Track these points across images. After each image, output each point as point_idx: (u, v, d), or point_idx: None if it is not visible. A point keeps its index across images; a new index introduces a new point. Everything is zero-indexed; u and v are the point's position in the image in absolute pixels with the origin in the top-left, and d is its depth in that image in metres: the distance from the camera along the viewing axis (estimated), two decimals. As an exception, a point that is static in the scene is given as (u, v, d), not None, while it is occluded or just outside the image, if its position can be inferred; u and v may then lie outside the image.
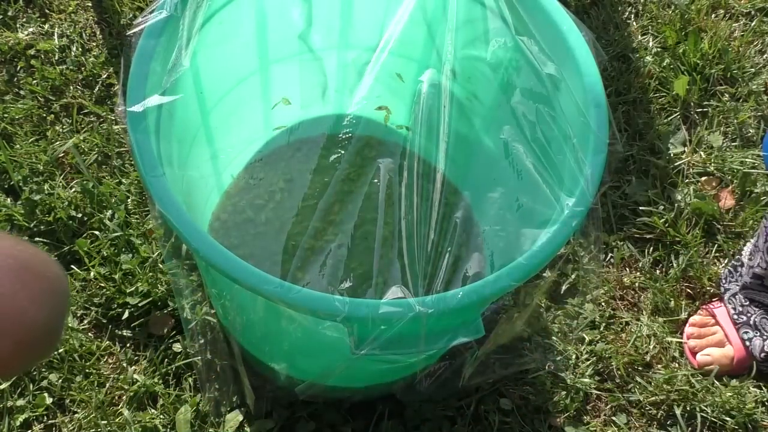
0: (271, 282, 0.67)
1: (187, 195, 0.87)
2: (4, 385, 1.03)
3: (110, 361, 1.08)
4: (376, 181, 1.07)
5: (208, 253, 0.68)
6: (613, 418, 1.09)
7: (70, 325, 1.08)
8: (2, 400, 1.03)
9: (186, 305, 0.92)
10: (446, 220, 1.01)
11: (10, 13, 1.36)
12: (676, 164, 1.30)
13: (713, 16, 1.48)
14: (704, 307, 1.17)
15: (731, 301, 1.14)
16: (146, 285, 1.09)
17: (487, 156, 1.00)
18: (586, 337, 1.14)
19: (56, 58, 1.32)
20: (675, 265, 1.21)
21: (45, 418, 1.03)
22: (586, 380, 1.10)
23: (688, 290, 1.21)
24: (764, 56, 1.45)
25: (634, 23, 1.47)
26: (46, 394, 1.03)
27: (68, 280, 1.09)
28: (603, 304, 1.18)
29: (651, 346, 1.14)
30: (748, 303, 1.13)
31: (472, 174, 1.08)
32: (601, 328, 1.15)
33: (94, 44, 1.35)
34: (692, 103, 1.37)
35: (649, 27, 1.46)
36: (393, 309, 0.67)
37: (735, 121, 1.35)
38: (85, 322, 1.10)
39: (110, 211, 1.16)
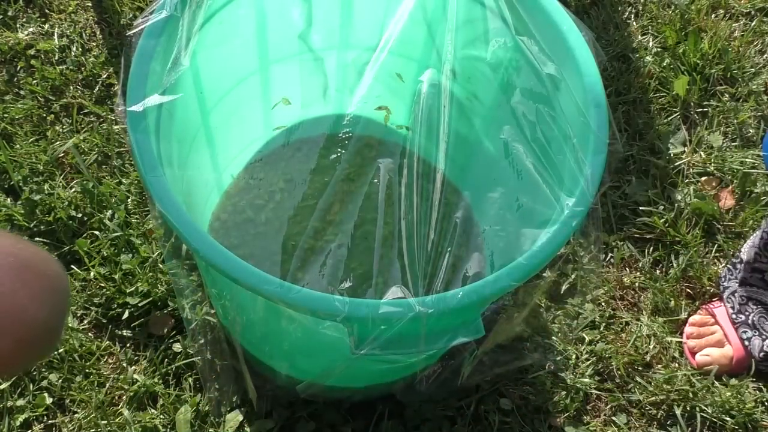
0: (271, 282, 0.67)
1: (187, 195, 0.87)
2: (4, 385, 1.03)
3: (110, 361, 1.08)
4: (375, 180, 1.07)
5: (208, 253, 0.68)
6: (613, 418, 1.09)
7: (70, 325, 1.08)
8: (2, 400, 1.03)
9: (186, 305, 0.92)
10: (446, 220, 1.01)
11: (10, 13, 1.36)
12: (676, 164, 1.30)
13: (713, 16, 1.48)
14: (704, 306, 1.17)
15: (730, 300, 1.14)
16: (146, 285, 1.09)
17: (487, 156, 1.00)
18: (586, 337, 1.14)
19: (56, 58, 1.32)
20: (675, 265, 1.21)
21: (45, 418, 1.03)
22: (586, 380, 1.10)
23: (688, 290, 1.21)
24: (764, 56, 1.45)
25: (634, 23, 1.47)
26: (46, 394, 1.03)
27: (68, 278, 1.09)
28: (603, 304, 1.18)
29: (651, 346, 1.14)
30: (745, 301, 1.13)
31: (472, 174, 1.08)
32: (601, 328, 1.15)
33: (94, 44, 1.35)
34: (692, 103, 1.37)
35: (649, 27, 1.46)
36: (393, 309, 0.67)
37: (735, 121, 1.35)
38: (85, 322, 1.10)
39: (110, 211, 1.16)
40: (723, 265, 1.21)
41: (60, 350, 1.06)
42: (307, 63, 1.04)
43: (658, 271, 1.22)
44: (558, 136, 0.84)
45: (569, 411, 1.08)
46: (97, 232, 1.14)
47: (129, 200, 1.18)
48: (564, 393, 1.09)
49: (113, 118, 1.26)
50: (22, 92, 1.28)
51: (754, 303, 1.13)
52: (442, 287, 0.90)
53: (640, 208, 1.25)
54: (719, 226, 1.25)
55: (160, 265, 1.11)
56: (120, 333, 1.09)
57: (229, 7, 0.88)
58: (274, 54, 1.01)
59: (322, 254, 1.03)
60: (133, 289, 1.09)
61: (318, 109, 1.13)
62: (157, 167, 0.70)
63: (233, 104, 1.00)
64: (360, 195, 1.07)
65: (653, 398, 1.10)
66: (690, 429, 1.08)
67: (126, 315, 1.09)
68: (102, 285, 1.11)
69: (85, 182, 1.17)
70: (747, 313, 1.12)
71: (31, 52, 1.32)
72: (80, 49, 1.33)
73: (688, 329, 1.15)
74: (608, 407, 1.10)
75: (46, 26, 1.35)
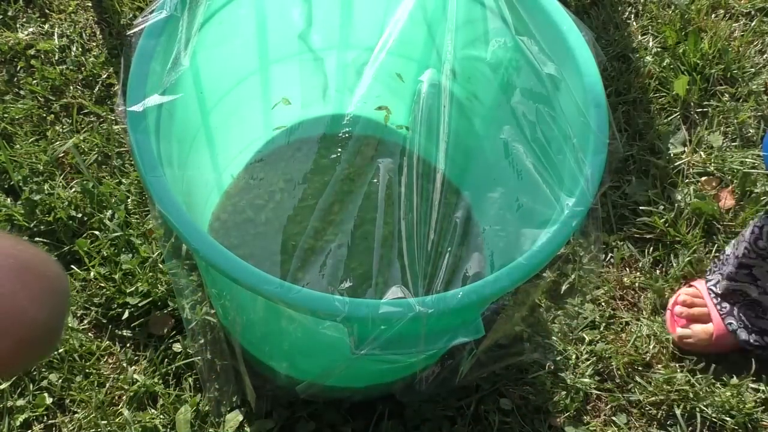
0: (271, 282, 0.67)
1: (187, 195, 0.87)
2: (4, 385, 1.03)
3: (110, 361, 1.08)
4: (375, 180, 1.07)
5: (208, 253, 0.68)
6: (613, 418, 1.09)
7: (70, 325, 1.08)
8: (2, 400, 1.03)
9: (186, 305, 0.92)
10: (446, 220, 1.01)
11: (10, 13, 1.36)
12: (676, 164, 1.30)
13: (713, 16, 1.48)
14: (693, 283, 1.18)
15: (712, 291, 1.14)
16: (146, 285, 1.09)
17: (487, 156, 1.00)
18: (586, 337, 1.14)
19: (56, 58, 1.32)
20: (675, 265, 1.21)
21: (45, 418, 1.03)
22: (586, 380, 1.10)
23: (688, 290, 1.21)
24: (764, 56, 1.45)
25: (634, 23, 1.47)
26: (46, 394, 1.03)
27: (68, 279, 1.09)
28: (603, 304, 1.18)
29: (651, 346, 1.14)
30: (730, 292, 1.13)
31: (472, 174, 1.08)
32: (601, 328, 1.15)
33: (94, 44, 1.35)
34: (692, 103, 1.37)
35: (649, 27, 1.46)
36: (393, 309, 0.67)
37: (735, 121, 1.35)
38: (85, 322, 1.10)
39: (110, 211, 1.16)
40: (711, 257, 1.21)
41: (60, 350, 1.06)
42: (307, 63, 1.04)
43: (658, 271, 1.22)
44: (558, 136, 0.84)
45: (569, 411, 1.08)
46: (97, 232, 1.14)
47: (129, 200, 1.18)
48: (564, 393, 1.09)
49: (113, 118, 1.26)
50: (22, 92, 1.28)
51: (739, 294, 1.12)
52: (442, 287, 0.90)
53: (640, 208, 1.25)
54: (719, 226, 1.25)
55: (160, 265, 1.11)
56: (120, 333, 1.09)
57: (229, 7, 0.88)
58: (274, 54, 1.01)
59: (322, 254, 1.03)
60: (133, 289, 1.09)
61: (318, 109, 1.13)
62: (157, 167, 0.70)
63: (233, 104, 1.00)
64: (360, 195, 1.07)
65: (653, 398, 1.10)
66: (690, 429, 1.08)
67: (126, 315, 1.09)
68: (102, 285, 1.11)
69: (85, 182, 1.17)
70: (732, 303, 1.12)
71: (31, 52, 1.32)
72: (80, 49, 1.33)
73: (681, 297, 1.16)
74: (608, 407, 1.10)
75: (46, 26, 1.35)
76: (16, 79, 1.29)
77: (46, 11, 1.38)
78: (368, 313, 0.67)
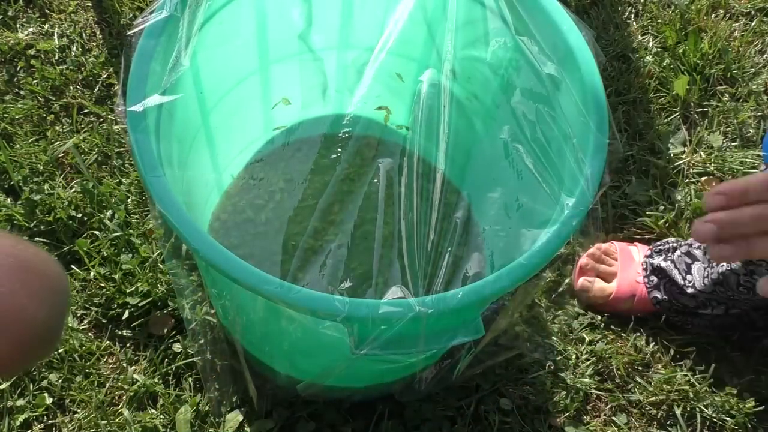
0: (271, 282, 0.67)
1: (187, 195, 0.87)
2: (4, 385, 1.03)
3: (110, 361, 1.08)
4: (375, 180, 1.07)
5: (208, 253, 0.68)
6: (613, 418, 1.09)
7: (70, 325, 1.08)
8: (2, 400, 1.03)
9: (186, 305, 0.92)
10: (446, 220, 1.01)
11: (10, 13, 1.36)
12: (676, 164, 1.30)
13: (713, 16, 1.48)
14: (614, 242, 1.18)
15: (645, 264, 1.14)
16: (146, 285, 1.09)
17: (487, 156, 1.00)
18: (586, 337, 1.14)
19: (56, 58, 1.32)
20: (675, 265, 1.21)
21: (45, 418, 1.03)
22: (586, 380, 1.10)
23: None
24: (764, 56, 1.45)
25: (634, 23, 1.47)
26: (46, 394, 1.03)
27: (68, 279, 1.09)
28: (603, 304, 1.18)
29: (651, 346, 1.14)
30: (660, 268, 1.12)
31: (472, 174, 1.08)
32: (601, 328, 1.15)
33: (94, 44, 1.35)
34: (692, 103, 1.37)
35: (649, 27, 1.46)
36: (393, 309, 0.67)
37: (735, 121, 1.35)
38: (85, 322, 1.10)
39: (110, 211, 1.16)
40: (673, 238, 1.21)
41: (60, 350, 1.06)
42: (307, 63, 1.04)
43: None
44: (558, 136, 0.84)
45: (569, 411, 1.08)
46: (97, 232, 1.15)
47: (129, 200, 1.18)
48: (564, 393, 1.09)
49: (113, 118, 1.26)
50: (22, 92, 1.28)
51: (665, 274, 1.13)
52: (442, 287, 0.90)
53: (640, 208, 1.25)
54: (719, 226, 1.25)
55: (160, 265, 1.11)
56: (120, 333, 1.09)
57: (229, 7, 0.88)
58: (274, 54, 1.01)
59: (322, 254, 1.03)
60: (133, 289, 1.09)
61: (318, 110, 1.13)
62: (157, 167, 0.70)
63: (233, 104, 1.00)
64: (360, 195, 1.07)
65: (653, 398, 1.10)
66: (690, 429, 1.08)
67: (126, 315, 1.09)
68: (102, 285, 1.11)
69: (85, 182, 1.17)
70: (659, 277, 1.13)
71: (31, 52, 1.32)
72: (80, 49, 1.33)
73: (591, 251, 1.16)
74: (608, 407, 1.10)
75: (46, 26, 1.35)
76: (16, 79, 1.29)
77: (46, 11, 1.38)
78: (368, 313, 0.67)
